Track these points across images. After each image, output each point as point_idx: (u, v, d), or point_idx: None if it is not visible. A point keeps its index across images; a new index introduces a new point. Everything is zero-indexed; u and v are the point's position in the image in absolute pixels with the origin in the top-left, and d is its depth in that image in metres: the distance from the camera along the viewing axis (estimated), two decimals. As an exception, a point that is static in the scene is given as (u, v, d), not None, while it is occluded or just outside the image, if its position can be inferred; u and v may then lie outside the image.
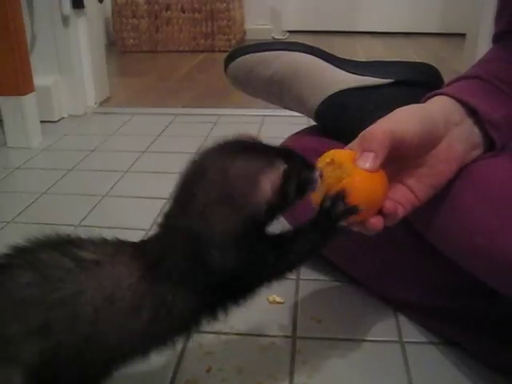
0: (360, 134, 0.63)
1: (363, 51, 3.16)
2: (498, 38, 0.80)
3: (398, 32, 3.65)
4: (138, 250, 0.58)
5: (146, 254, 0.57)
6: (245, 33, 3.63)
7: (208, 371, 0.76)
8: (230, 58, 1.00)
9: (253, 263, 0.58)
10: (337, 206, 0.60)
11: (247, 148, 0.58)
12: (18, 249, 0.55)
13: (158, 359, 0.78)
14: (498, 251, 0.63)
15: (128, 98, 2.29)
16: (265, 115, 1.89)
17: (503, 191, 0.66)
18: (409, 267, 0.84)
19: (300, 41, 1.03)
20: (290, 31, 3.67)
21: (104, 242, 0.58)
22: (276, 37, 3.56)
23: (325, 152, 0.64)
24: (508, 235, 0.63)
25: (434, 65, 0.98)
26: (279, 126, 1.74)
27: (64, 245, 0.55)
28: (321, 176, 0.61)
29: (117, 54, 3.23)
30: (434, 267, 0.80)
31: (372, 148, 0.60)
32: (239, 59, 0.98)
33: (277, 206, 0.57)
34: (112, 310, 0.54)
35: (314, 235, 0.61)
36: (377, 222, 0.62)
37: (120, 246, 0.59)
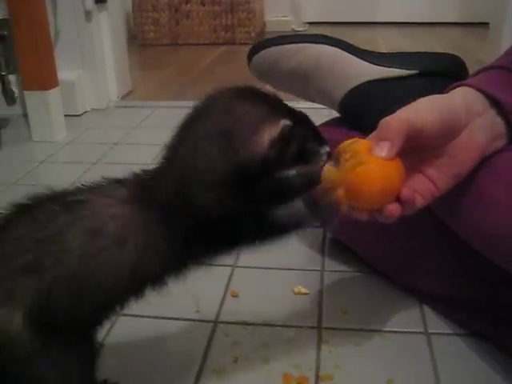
0: (379, 123, 0.63)
1: (384, 42, 3.14)
2: None
3: (420, 22, 3.62)
4: (131, 183, 0.60)
5: (137, 187, 0.59)
6: (264, 25, 3.62)
7: (235, 361, 0.77)
8: (254, 50, 1.00)
9: (231, 215, 0.58)
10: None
11: (258, 97, 0.59)
12: (17, 205, 0.57)
13: (185, 349, 0.80)
14: None
15: (149, 91, 2.30)
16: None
17: None
18: (433, 258, 0.84)
19: (320, 32, 1.03)
20: (309, 23, 3.66)
21: (99, 181, 0.60)
22: (296, 29, 3.56)
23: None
24: None
25: (456, 54, 0.98)
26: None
27: (57, 196, 0.58)
28: (329, 154, 0.61)
29: (137, 48, 3.25)
30: (459, 258, 0.80)
31: (388, 137, 0.60)
32: (263, 52, 0.98)
33: (273, 164, 0.57)
34: (96, 243, 0.54)
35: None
36: (394, 209, 0.61)
37: (111, 182, 0.60)
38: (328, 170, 0.63)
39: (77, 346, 0.58)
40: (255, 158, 0.55)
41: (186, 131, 0.59)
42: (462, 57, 0.98)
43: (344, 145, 0.64)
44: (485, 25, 2.64)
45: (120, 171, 1.44)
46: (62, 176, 1.44)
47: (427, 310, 0.86)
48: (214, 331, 0.83)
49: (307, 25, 3.62)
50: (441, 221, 0.77)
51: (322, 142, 0.61)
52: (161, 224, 0.57)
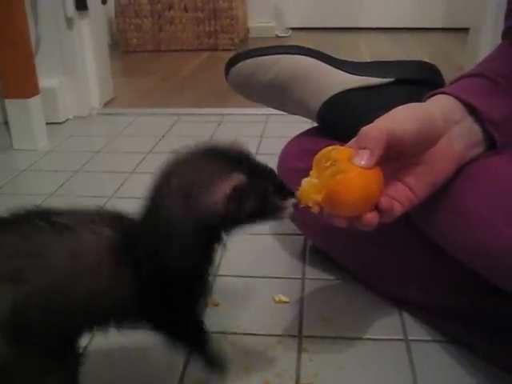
0: (358, 133, 0.64)
1: (367, 47, 3.15)
2: (506, 34, 0.79)
3: (402, 27, 3.64)
4: (116, 221, 0.62)
5: (119, 228, 0.61)
6: (248, 31, 3.63)
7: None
8: (231, 63, 1.00)
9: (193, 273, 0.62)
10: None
11: (216, 154, 0.60)
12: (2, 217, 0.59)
13: (165, 359, 0.80)
14: (502, 250, 0.63)
15: (132, 98, 2.29)
16: (269, 114, 1.89)
17: (504, 190, 0.66)
18: (412, 266, 0.85)
19: (303, 38, 1.03)
20: (293, 28, 3.66)
21: (84, 211, 0.62)
22: (279, 34, 3.56)
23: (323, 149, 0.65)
24: (510, 234, 0.63)
25: (438, 60, 0.99)
26: (284, 124, 1.74)
27: (43, 213, 0.59)
28: (295, 206, 0.62)
29: (120, 54, 3.24)
30: (438, 266, 0.81)
31: (368, 146, 0.61)
32: (240, 64, 0.99)
33: (232, 217, 0.58)
34: (76, 266, 0.57)
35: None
36: (372, 218, 0.63)
37: (99, 215, 0.62)
38: (306, 182, 0.64)
39: (57, 361, 0.59)
40: (213, 215, 0.57)
41: (158, 188, 0.62)
42: (443, 61, 1.00)
43: (324, 152, 0.65)
44: (466, 30, 2.66)
45: (103, 180, 1.43)
46: (44, 185, 1.43)
47: (407, 316, 0.87)
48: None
49: (290, 30, 3.63)
50: (419, 229, 0.78)
51: (286, 195, 0.62)
52: (132, 271, 0.60)
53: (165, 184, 0.60)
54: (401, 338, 0.83)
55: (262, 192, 0.59)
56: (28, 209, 0.59)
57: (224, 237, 0.61)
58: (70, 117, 1.98)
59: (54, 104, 1.88)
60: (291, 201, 0.61)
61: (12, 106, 1.68)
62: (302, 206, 0.64)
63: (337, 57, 0.99)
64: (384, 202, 0.63)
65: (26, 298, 0.54)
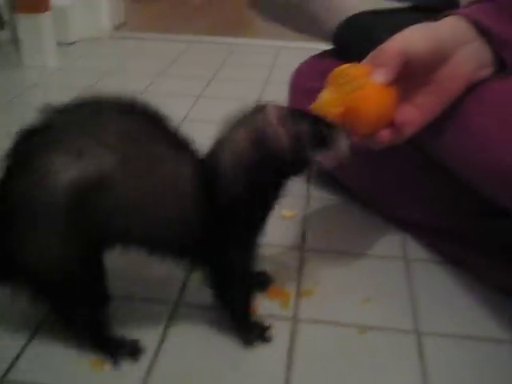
0: (373, 51, 0.66)
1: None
2: None
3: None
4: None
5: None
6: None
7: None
8: None
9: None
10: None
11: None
12: None
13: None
14: (509, 169, 0.65)
15: (142, 23, 2.27)
16: (281, 46, 1.88)
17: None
18: (416, 187, 0.87)
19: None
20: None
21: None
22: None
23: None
24: None
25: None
26: (295, 56, 1.74)
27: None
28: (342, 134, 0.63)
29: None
30: (442, 187, 0.83)
31: (386, 63, 0.63)
32: None
33: (296, 155, 0.61)
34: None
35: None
36: (385, 135, 0.65)
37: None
38: (326, 94, 0.66)
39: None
40: (281, 151, 0.60)
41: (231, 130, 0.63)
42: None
43: (341, 68, 0.66)
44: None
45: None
46: (53, 100, 1.44)
47: (408, 239, 0.89)
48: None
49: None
50: (424, 150, 0.79)
51: (329, 126, 0.62)
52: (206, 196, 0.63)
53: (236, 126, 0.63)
54: (400, 255, 0.85)
55: (313, 129, 0.61)
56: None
57: (283, 182, 0.64)
58: (80, 38, 1.97)
59: (64, 24, 1.88)
60: (337, 130, 0.62)
61: (24, 21, 1.68)
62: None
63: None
64: (400, 118, 0.65)
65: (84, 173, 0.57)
